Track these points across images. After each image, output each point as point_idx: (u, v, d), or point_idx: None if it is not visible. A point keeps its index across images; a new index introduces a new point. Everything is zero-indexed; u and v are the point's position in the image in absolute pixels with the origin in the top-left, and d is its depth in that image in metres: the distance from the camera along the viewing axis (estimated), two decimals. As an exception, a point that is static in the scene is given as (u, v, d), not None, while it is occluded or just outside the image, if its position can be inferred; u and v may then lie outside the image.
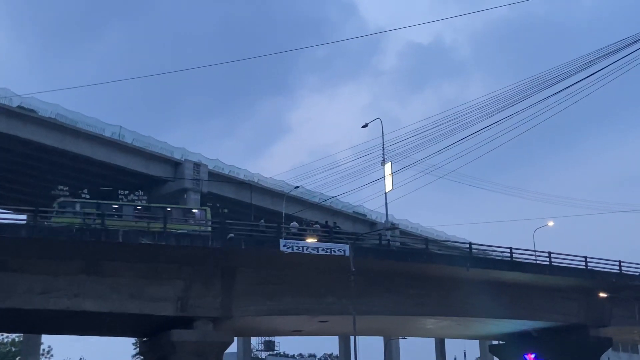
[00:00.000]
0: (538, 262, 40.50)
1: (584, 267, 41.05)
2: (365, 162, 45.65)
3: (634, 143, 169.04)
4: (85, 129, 44.14)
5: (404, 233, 59.71)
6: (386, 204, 42.37)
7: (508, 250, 39.67)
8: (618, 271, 42.52)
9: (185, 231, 32.56)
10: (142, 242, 29.07)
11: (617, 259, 42.83)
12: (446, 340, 67.73)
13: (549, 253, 40.36)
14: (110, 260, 30.18)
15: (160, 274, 31.06)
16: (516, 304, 40.07)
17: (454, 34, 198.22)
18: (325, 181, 50.82)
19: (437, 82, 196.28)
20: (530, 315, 40.97)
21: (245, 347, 67.00)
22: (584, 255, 41.24)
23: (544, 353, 43.93)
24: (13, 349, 68.73)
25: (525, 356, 44.89)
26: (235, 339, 44.79)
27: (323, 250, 32.14)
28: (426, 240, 40.72)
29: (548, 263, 40.16)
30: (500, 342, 49.88)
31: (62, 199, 36.24)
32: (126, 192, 43.60)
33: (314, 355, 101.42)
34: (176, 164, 48.41)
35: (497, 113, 38.07)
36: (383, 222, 50.83)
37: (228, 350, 35.21)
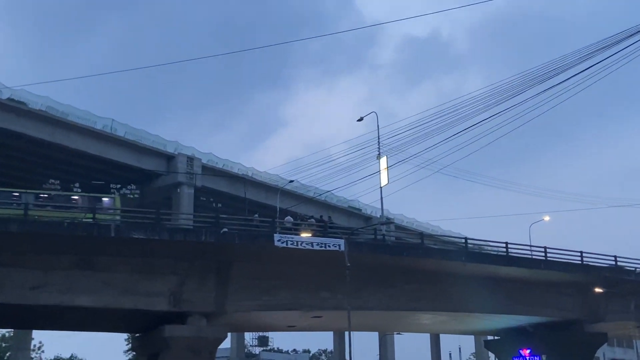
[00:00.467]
0: (534, 257, 40.62)
1: (580, 262, 41.23)
2: (360, 156, 45.68)
3: (633, 136, 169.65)
4: (76, 122, 43.96)
5: (399, 228, 59.80)
6: (381, 198, 42.42)
7: (504, 245, 39.76)
8: (614, 266, 42.72)
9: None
10: (135, 236, 29.07)
11: (614, 254, 43.10)
12: (441, 335, 67.93)
13: (545, 248, 40.47)
14: (103, 255, 30.18)
15: (153, 269, 31.08)
16: (512, 299, 40.22)
17: (451, 27, 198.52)
18: (320, 175, 50.92)
19: (435, 76, 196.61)
20: (526, 311, 41.14)
21: (239, 343, 67.05)
22: (579, 250, 41.49)
23: (539, 348, 44.14)
24: (3, 345, 68.67)
25: (521, 351, 45.12)
26: (229, 334, 44.94)
27: (318, 245, 32.21)
28: (421, 235, 40.81)
29: (544, 258, 40.27)
30: (496, 338, 50.06)
31: None
32: (118, 186, 43.53)
33: (308, 351, 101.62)
34: (169, 158, 48.28)
35: (494, 106, 38.07)
36: (378, 216, 50.93)
37: (221, 346, 35.28)
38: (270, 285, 33.38)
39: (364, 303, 34.96)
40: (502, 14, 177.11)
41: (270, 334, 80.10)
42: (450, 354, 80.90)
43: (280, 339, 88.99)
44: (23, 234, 27.83)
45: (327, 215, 47.61)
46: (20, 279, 29.11)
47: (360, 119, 44.52)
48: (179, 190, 47.56)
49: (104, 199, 37.93)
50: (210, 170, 50.06)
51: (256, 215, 38.54)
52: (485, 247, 44.00)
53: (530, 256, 40.56)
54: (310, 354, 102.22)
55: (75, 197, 36.41)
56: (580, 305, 42.73)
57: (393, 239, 42.26)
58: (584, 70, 32.32)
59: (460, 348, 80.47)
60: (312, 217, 42.17)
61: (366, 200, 61.00)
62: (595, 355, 48.07)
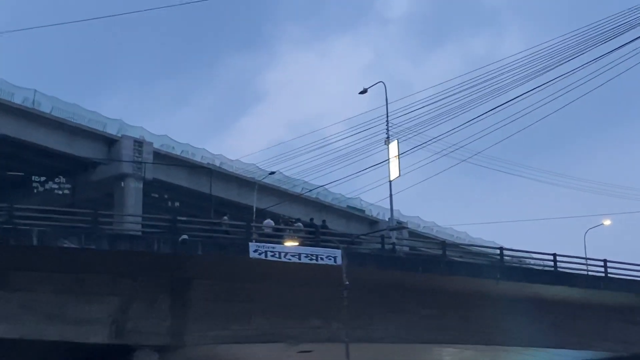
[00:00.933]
0: (590, 273, 40.67)
1: (651, 280, 41.42)
2: (363, 140, 45.53)
3: None
4: (-15, 93, 43.76)
5: (414, 235, 59.84)
6: (390, 195, 42.39)
7: (551, 257, 39.82)
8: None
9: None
10: (64, 245, 28.94)
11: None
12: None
13: (605, 261, 40.60)
14: (21, 270, 30.01)
15: (88, 288, 30.96)
16: (561, 329, 40.35)
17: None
18: (310, 165, 50.46)
19: (462, 35, 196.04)
20: (580, 344, 41.28)
21: (203, 385, 67.01)
22: (650, 264, 41.65)
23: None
24: None
25: (573, 397, 45.22)
26: (189, 374, 44.78)
27: (307, 256, 32.19)
28: (443, 245, 40.85)
29: (603, 274, 40.34)
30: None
31: None
32: (43, 178, 43.28)
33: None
34: (111, 142, 48.05)
35: (538, 76, 38.01)
36: (386, 220, 50.84)
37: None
38: (244, 310, 33.31)
39: (367, 334, 34.96)
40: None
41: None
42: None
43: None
44: None
45: (319, 217, 47.44)
46: None
47: (364, 91, 44.55)
48: (123, 184, 47.37)
49: None
50: (164, 158, 49.87)
51: (225, 217, 38.40)
52: (527, 261, 44.00)
53: (585, 272, 40.60)
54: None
55: None
56: (651, 336, 42.90)
57: (406, 249, 42.27)
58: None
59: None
60: (299, 220, 42.00)
61: (371, 198, 60.98)
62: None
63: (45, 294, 30.44)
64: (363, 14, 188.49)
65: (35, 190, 41.02)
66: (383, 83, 43.71)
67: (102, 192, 48.23)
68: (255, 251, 31.43)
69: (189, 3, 42.90)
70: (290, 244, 32.71)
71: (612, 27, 35.63)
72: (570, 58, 37.13)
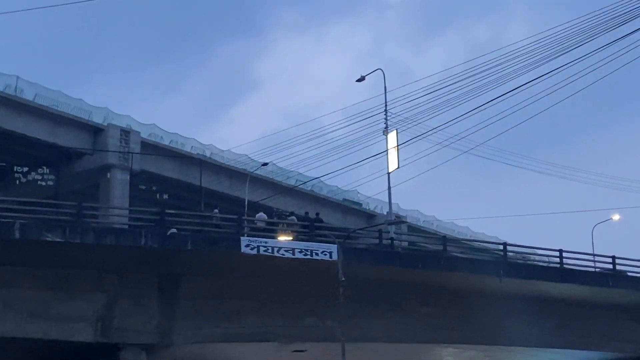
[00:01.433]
0: (598, 270, 40.77)
1: (661, 278, 41.58)
2: (361, 130, 45.55)
3: None
4: (-35, 80, 43.77)
5: (413, 229, 59.89)
6: (389, 188, 42.44)
7: (557, 253, 39.94)
8: None
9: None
10: (47, 239, 28.93)
11: None
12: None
13: (613, 258, 40.73)
14: (2, 265, 29.96)
15: (72, 285, 30.98)
16: (567, 329, 40.49)
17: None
18: (305, 156, 50.48)
19: (465, 20, 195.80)
20: (586, 344, 41.41)
21: (192, 386, 67.17)
22: (660, 261, 41.79)
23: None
24: None
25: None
26: (178, 374, 44.86)
27: (301, 252, 32.24)
28: (444, 240, 40.95)
29: (612, 271, 40.46)
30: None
31: None
32: (25, 169, 43.33)
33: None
34: (96, 131, 48.06)
35: (545, 63, 38.02)
36: (385, 213, 50.94)
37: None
38: (235, 307, 33.36)
39: (363, 333, 35.04)
40: None
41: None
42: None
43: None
44: None
45: (314, 211, 47.52)
46: None
47: (361, 79, 44.48)
48: (109, 175, 47.39)
49: None
50: (152, 149, 49.89)
51: (216, 210, 38.49)
52: (531, 257, 44.14)
53: (593, 269, 40.71)
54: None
55: None
56: (660, 336, 43.04)
57: (405, 244, 42.37)
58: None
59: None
60: (292, 213, 42.09)
61: (368, 191, 61.05)
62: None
63: (27, 290, 30.44)
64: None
65: (17, 181, 41.09)
66: (381, 70, 43.75)
67: (87, 184, 48.24)
68: (247, 246, 31.48)
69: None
70: (283, 238, 32.76)
71: (623, 11, 35.60)
72: (578, 45, 37.11)
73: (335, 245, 32.24)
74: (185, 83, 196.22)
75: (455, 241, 50.19)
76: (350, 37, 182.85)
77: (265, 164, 51.70)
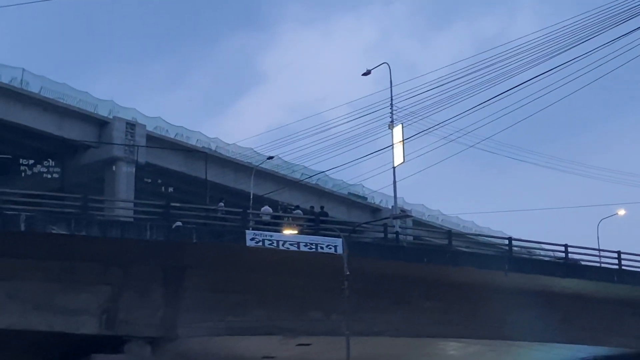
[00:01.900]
0: (603, 265, 40.75)
1: (667, 273, 41.48)
2: (366, 124, 45.57)
3: None
4: (-30, 72, 43.84)
5: (418, 223, 59.91)
6: (394, 182, 42.43)
7: (562, 248, 39.92)
8: None
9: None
10: (53, 231, 28.99)
11: None
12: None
13: (619, 253, 40.70)
14: (9, 257, 30.10)
15: (77, 277, 31.05)
16: (571, 324, 40.52)
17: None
18: (310, 150, 50.54)
19: (472, 14, 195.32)
20: (591, 339, 41.44)
21: (197, 379, 67.31)
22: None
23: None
24: None
25: (583, 394, 45.46)
26: (183, 367, 44.96)
27: (306, 245, 32.27)
28: (449, 234, 40.92)
29: (617, 267, 40.43)
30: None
31: None
32: (31, 161, 43.39)
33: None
34: (102, 124, 48.12)
35: (552, 57, 37.97)
36: (390, 207, 50.93)
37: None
38: (239, 300, 33.42)
39: (368, 327, 35.10)
40: None
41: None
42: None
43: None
44: None
45: (319, 204, 47.58)
46: None
47: (367, 73, 44.45)
48: (114, 168, 47.45)
49: None
50: (158, 142, 49.94)
51: (221, 203, 38.50)
52: (537, 252, 44.10)
53: (598, 264, 40.70)
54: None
55: None
56: (665, 332, 43.03)
57: (410, 238, 42.41)
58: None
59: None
60: (298, 207, 42.15)
61: (373, 185, 61.11)
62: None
63: (33, 283, 30.55)
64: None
65: (22, 174, 41.10)
66: (387, 64, 43.75)
67: (93, 177, 48.28)
68: (252, 239, 31.49)
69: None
70: (288, 232, 32.77)
71: (630, 6, 35.53)
72: (586, 39, 37.05)
73: (340, 239, 32.25)
74: (190, 76, 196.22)
75: (461, 236, 50.17)
76: (356, 30, 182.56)
77: (270, 158, 51.77)
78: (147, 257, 31.58)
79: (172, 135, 51.76)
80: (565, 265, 39.51)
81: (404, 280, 35.96)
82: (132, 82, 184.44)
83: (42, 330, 30.92)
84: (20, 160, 43.48)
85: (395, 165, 42.24)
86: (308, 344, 37.19)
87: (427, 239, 47.96)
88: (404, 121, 43.23)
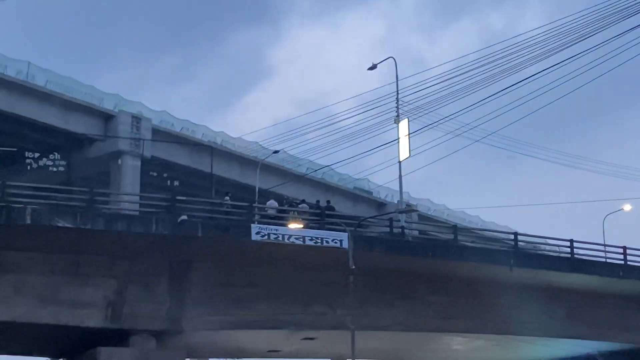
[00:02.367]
0: (608, 260, 40.69)
1: (673, 269, 41.42)
2: (372, 119, 45.53)
3: None
4: (-24, 66, 43.81)
5: (423, 218, 59.84)
6: (400, 177, 42.35)
7: (567, 243, 39.85)
8: None
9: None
10: (59, 225, 29.03)
11: None
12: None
13: (624, 248, 40.64)
14: (14, 250, 30.17)
15: (83, 270, 31.14)
16: (576, 319, 40.49)
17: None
18: (316, 144, 50.54)
19: (480, 9, 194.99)
20: (596, 334, 41.41)
21: (202, 372, 67.41)
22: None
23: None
24: None
25: (588, 389, 45.45)
26: (188, 360, 45.00)
27: (311, 239, 32.28)
28: (454, 229, 40.86)
29: (622, 262, 40.36)
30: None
31: None
32: (36, 154, 43.35)
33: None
34: (107, 117, 48.08)
35: (559, 51, 37.91)
36: (395, 202, 50.85)
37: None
38: (245, 294, 33.45)
39: (373, 321, 35.08)
40: None
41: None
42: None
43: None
44: None
45: (325, 199, 47.51)
46: None
47: (373, 67, 44.37)
48: (120, 161, 47.42)
49: None
50: (164, 135, 49.92)
51: (227, 197, 38.49)
52: (542, 247, 44.02)
53: (603, 259, 40.64)
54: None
55: None
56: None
57: (415, 233, 42.31)
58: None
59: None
60: (303, 201, 42.08)
61: (379, 179, 60.99)
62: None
63: (38, 276, 30.63)
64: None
65: (28, 167, 41.04)
66: (393, 59, 43.62)
67: (98, 170, 48.29)
68: (257, 233, 31.51)
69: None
70: (294, 226, 32.76)
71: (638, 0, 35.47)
72: (594, 33, 36.99)
73: (346, 234, 32.24)
74: (198, 70, 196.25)
75: (466, 230, 50.03)
76: (364, 25, 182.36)
77: (276, 152, 51.70)
78: (153, 251, 31.61)
79: (177, 129, 51.71)
80: (572, 261, 39.41)
81: (410, 275, 35.96)
82: (139, 76, 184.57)
83: (48, 323, 30.97)
84: (26, 153, 43.41)
85: (400, 160, 42.18)
86: (313, 338, 37.23)
87: (433, 233, 47.88)
88: (409, 115, 43.20)
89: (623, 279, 39.87)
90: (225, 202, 37.32)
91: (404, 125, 42.57)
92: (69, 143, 47.48)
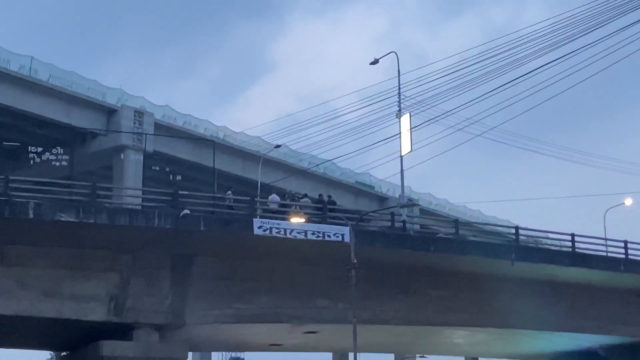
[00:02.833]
0: (610, 254, 40.68)
1: (673, 263, 41.39)
2: (374, 113, 45.56)
3: None
4: (-21, 60, 43.85)
5: (425, 212, 59.82)
6: (402, 171, 42.37)
7: (569, 237, 39.83)
8: None
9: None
10: (62, 219, 29.07)
11: None
12: (480, 360, 68.44)
13: (626, 242, 40.58)
14: (17, 244, 30.24)
15: (86, 264, 31.20)
16: (578, 312, 40.48)
17: None
18: (318, 138, 50.63)
19: (482, 3, 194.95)
20: (597, 328, 41.39)
21: (204, 366, 67.56)
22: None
23: (615, 379, 44.46)
24: None
25: (589, 383, 45.46)
26: (190, 354, 45.06)
27: (313, 233, 32.26)
28: (456, 223, 40.84)
29: (624, 256, 40.34)
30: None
31: None
32: (39, 149, 43.36)
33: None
34: (110, 112, 48.17)
35: (561, 46, 37.87)
36: (397, 196, 50.91)
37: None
38: (247, 288, 33.48)
39: (375, 315, 35.15)
40: None
41: (246, 355, 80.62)
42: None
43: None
44: None
45: (327, 193, 47.53)
46: None
47: (375, 62, 44.35)
48: (122, 155, 47.51)
49: None
50: (166, 130, 49.98)
51: (229, 192, 38.47)
52: (543, 241, 44.02)
53: (605, 253, 40.61)
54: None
55: None
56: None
57: (417, 227, 42.30)
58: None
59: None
60: (305, 195, 42.08)
61: (380, 174, 61.12)
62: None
63: (41, 270, 30.68)
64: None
65: (31, 162, 41.01)
66: (395, 53, 43.61)
67: (101, 164, 48.40)
68: (259, 227, 31.50)
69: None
70: (296, 220, 32.77)
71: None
72: (596, 27, 36.94)
73: (348, 228, 32.22)
74: (200, 65, 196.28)
75: (467, 224, 50.09)
76: (366, 20, 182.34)
77: (278, 146, 51.73)
78: (155, 245, 31.62)
79: (180, 124, 51.79)
80: (573, 255, 39.40)
81: (411, 269, 35.96)
82: (141, 70, 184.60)
83: (51, 317, 31.03)
84: (29, 148, 43.39)
85: (402, 154, 42.18)
86: (315, 332, 37.24)
87: (434, 227, 47.90)
88: (411, 110, 43.21)
89: (624, 273, 39.81)
90: (228, 196, 37.34)
91: (405, 119, 42.56)
92: (72, 137, 47.48)
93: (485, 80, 40.66)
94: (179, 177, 48.98)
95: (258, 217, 33.26)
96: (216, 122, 54.83)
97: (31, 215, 28.93)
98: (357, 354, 32.78)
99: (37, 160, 42.36)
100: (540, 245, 42.97)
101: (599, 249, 40.82)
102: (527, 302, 38.00)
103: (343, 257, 31.19)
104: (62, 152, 44.57)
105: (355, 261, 30.80)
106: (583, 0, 42.20)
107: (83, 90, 47.74)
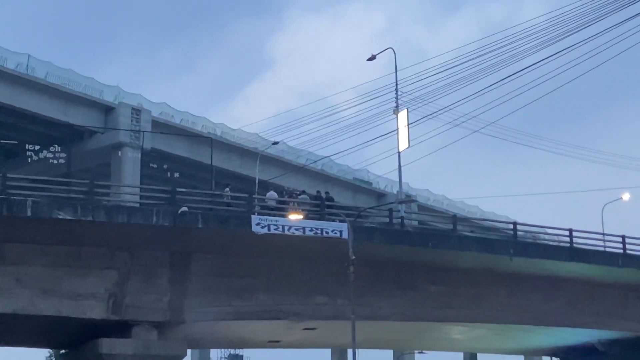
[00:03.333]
0: (608, 249, 40.70)
1: (671, 258, 41.43)
2: (372, 109, 45.46)
3: None
4: (-24, 58, 43.80)
5: (423, 208, 59.92)
6: (399, 167, 42.30)
7: (567, 232, 39.84)
8: None
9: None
10: (60, 217, 29.05)
11: None
12: (479, 355, 68.52)
13: (623, 237, 40.62)
14: (15, 242, 30.21)
15: (84, 262, 31.15)
16: (576, 308, 40.53)
17: None
18: (316, 135, 50.54)
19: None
20: (596, 323, 41.45)
21: (203, 363, 67.53)
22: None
23: (613, 373, 44.50)
24: None
25: (588, 377, 45.50)
26: (189, 351, 45.06)
27: (312, 230, 32.27)
28: (454, 219, 40.86)
29: (621, 251, 40.36)
30: (554, 359, 50.40)
31: None
32: (37, 147, 43.32)
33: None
34: (107, 109, 48.16)
35: (558, 41, 37.83)
36: (395, 192, 50.88)
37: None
38: (245, 285, 33.47)
39: (374, 311, 35.15)
40: None
41: (245, 352, 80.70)
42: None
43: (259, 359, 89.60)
44: None
45: (324, 189, 47.52)
46: None
47: (372, 58, 44.27)
48: (120, 153, 47.47)
49: None
50: (163, 127, 49.95)
51: (227, 189, 38.46)
52: (541, 236, 44.03)
53: (603, 248, 40.63)
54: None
55: None
56: (669, 316, 43.00)
57: (415, 223, 42.33)
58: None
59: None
60: (303, 192, 42.11)
61: (378, 170, 61.06)
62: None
63: (39, 268, 30.65)
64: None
65: (29, 160, 40.97)
66: (392, 49, 43.47)
67: (99, 162, 48.36)
68: (257, 224, 31.49)
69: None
70: (294, 217, 32.77)
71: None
72: (593, 22, 36.89)
73: (346, 224, 32.22)
74: (198, 62, 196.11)
75: (465, 220, 50.07)
76: (365, 16, 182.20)
77: (275, 143, 51.72)
78: (154, 242, 31.60)
79: (177, 121, 51.79)
80: (571, 250, 39.41)
81: (409, 265, 35.97)
82: (139, 68, 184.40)
83: (50, 315, 31.00)
84: (26, 146, 43.35)
85: (400, 150, 42.12)
86: (314, 329, 37.23)
87: (432, 223, 47.92)
88: (409, 106, 43.13)
89: (622, 267, 39.85)
90: (226, 193, 37.32)
91: (403, 115, 42.48)
92: (69, 135, 47.50)
93: (483, 76, 40.57)
94: (176, 175, 48.92)
95: (256, 214, 33.22)
96: (215, 119, 54.86)
97: (29, 213, 28.90)
98: (356, 350, 32.79)
99: (35, 158, 42.31)
100: (538, 241, 42.96)
101: (597, 244, 40.87)
102: (526, 298, 38.08)
103: (341, 253, 31.19)
104: (59, 150, 44.52)
105: (354, 257, 30.80)
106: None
107: (80, 88, 47.74)
